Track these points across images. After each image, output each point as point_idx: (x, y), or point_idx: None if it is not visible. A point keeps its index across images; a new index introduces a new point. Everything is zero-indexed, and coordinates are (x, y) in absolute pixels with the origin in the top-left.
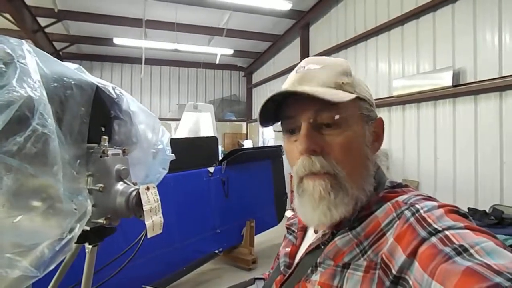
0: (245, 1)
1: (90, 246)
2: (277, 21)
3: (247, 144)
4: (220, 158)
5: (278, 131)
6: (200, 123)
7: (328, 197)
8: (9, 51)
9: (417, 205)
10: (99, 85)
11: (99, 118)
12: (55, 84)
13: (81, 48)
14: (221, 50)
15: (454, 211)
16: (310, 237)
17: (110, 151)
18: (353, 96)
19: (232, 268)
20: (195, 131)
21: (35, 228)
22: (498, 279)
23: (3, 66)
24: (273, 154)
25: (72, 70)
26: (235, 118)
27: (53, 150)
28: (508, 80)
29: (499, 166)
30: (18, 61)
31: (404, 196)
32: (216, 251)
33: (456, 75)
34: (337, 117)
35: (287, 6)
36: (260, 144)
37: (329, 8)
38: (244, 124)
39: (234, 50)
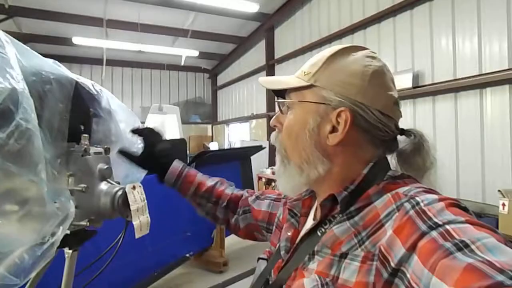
0: (210, 2)
1: (70, 251)
2: (243, 23)
3: (213, 146)
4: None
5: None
6: (165, 125)
7: (280, 170)
8: None
9: (417, 198)
10: (78, 81)
11: (78, 116)
12: (34, 78)
13: (36, 47)
14: (186, 52)
15: (455, 204)
16: (309, 223)
17: (92, 150)
18: (293, 85)
19: (203, 271)
20: None
21: (14, 232)
22: (500, 277)
23: None
24: (242, 155)
25: (50, 64)
26: (200, 121)
27: (37, 147)
28: (461, 82)
29: (455, 164)
30: None
31: (405, 188)
32: (187, 255)
33: (415, 77)
34: (279, 100)
35: (254, 8)
36: (226, 147)
37: (294, 11)
38: (209, 126)
39: (199, 52)
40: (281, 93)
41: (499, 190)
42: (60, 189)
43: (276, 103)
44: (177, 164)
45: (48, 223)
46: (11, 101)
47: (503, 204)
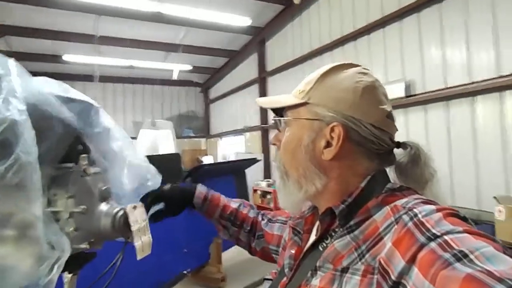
0: (201, 17)
1: (70, 275)
2: (234, 37)
3: (207, 160)
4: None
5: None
6: (158, 140)
7: (280, 186)
8: None
9: (415, 209)
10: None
11: (76, 137)
12: (35, 105)
13: (26, 65)
14: (178, 66)
15: (453, 214)
16: (312, 239)
17: (91, 170)
18: (288, 104)
19: None
20: (154, 149)
21: (11, 258)
22: (499, 287)
23: None
24: (237, 168)
25: (55, 93)
26: (193, 135)
27: (36, 182)
28: (452, 90)
29: (449, 172)
30: (4, 80)
31: (403, 200)
32: (185, 272)
33: (407, 87)
34: (275, 118)
35: (246, 22)
36: (221, 160)
37: (285, 24)
38: (203, 140)
39: (191, 66)
40: (279, 111)
41: (494, 197)
42: (53, 226)
43: (274, 122)
44: (200, 188)
45: (44, 264)
46: (12, 132)
47: (499, 211)
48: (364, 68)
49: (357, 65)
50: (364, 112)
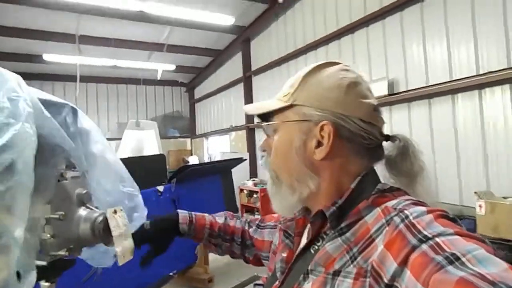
0: (185, 16)
1: (47, 284)
2: (218, 36)
3: (193, 160)
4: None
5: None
6: (143, 141)
7: (272, 190)
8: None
9: (406, 211)
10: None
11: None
12: None
13: (4, 66)
14: (162, 66)
15: (443, 216)
16: (304, 242)
17: (69, 174)
18: (274, 107)
19: None
20: (139, 150)
21: None
22: None
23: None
24: (223, 168)
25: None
26: (179, 135)
27: (26, 208)
28: (434, 88)
29: (433, 168)
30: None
31: (394, 201)
32: (171, 274)
33: (390, 85)
34: (263, 124)
35: (230, 21)
36: (206, 160)
37: (269, 23)
38: (188, 140)
39: (176, 66)
40: (265, 117)
41: (475, 192)
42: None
43: (263, 128)
44: (182, 214)
45: None
46: (19, 143)
47: (480, 206)
48: (345, 65)
49: (337, 63)
50: (351, 107)
